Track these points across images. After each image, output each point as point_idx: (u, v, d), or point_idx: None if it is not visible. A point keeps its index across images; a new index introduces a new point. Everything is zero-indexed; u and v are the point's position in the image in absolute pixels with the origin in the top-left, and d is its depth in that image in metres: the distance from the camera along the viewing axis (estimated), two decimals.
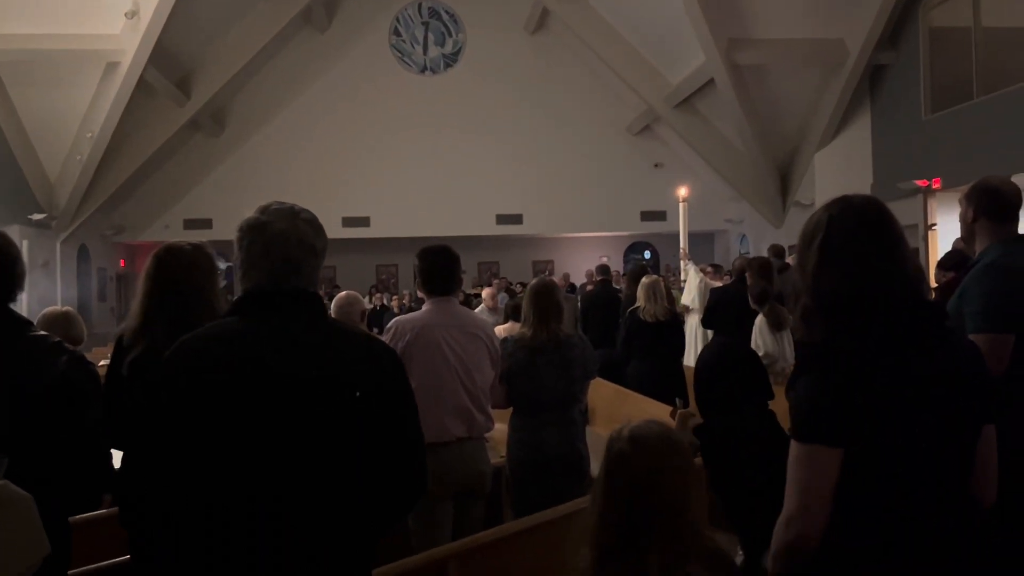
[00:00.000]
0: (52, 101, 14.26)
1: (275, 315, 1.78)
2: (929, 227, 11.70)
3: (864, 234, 1.74)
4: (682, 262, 9.11)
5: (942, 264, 6.25)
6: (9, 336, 2.08)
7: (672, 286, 9.37)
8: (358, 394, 1.76)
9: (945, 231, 11.02)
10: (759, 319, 6.07)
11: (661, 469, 1.70)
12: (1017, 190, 2.93)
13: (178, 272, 2.52)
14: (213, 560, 1.67)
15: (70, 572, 2.25)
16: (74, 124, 14.67)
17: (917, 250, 11.37)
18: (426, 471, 1.93)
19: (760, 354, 5.77)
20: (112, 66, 13.90)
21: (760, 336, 6.04)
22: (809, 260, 1.78)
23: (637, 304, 6.65)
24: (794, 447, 1.68)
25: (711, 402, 2.58)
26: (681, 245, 9.20)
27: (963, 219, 2.93)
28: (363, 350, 1.83)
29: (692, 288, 8.87)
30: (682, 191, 9.04)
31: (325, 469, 1.71)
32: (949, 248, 7.23)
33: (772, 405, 2.61)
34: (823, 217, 1.80)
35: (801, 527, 1.66)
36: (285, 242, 1.80)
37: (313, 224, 1.86)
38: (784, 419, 2.25)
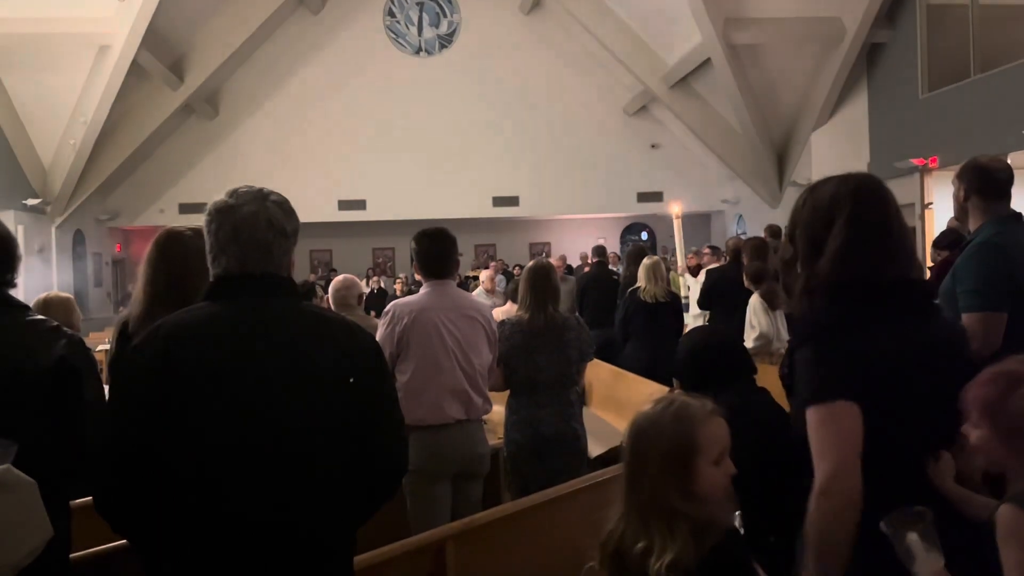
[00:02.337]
0: (45, 85, 14.16)
1: (246, 300, 1.76)
2: (926, 206, 11.71)
3: (882, 209, 1.77)
4: (680, 277, 9.07)
5: (937, 243, 6.27)
6: (7, 320, 2.08)
7: (671, 267, 9.35)
8: (351, 380, 1.76)
9: (942, 210, 11.02)
10: (753, 299, 6.08)
11: (642, 438, 1.73)
12: (1007, 168, 2.94)
13: (179, 257, 2.52)
14: (192, 547, 1.66)
15: (71, 556, 2.26)
16: (67, 108, 14.57)
17: (914, 229, 11.39)
18: (406, 456, 1.93)
19: (756, 334, 5.79)
20: (104, 49, 13.79)
21: (755, 315, 6.04)
22: (834, 236, 1.75)
23: (637, 284, 6.67)
24: (813, 413, 1.65)
25: (697, 386, 2.62)
26: (679, 262, 9.15)
27: (955, 198, 2.95)
28: (340, 333, 1.81)
29: (695, 297, 8.87)
30: (675, 208, 9.01)
31: (303, 456, 1.70)
32: (944, 227, 7.25)
33: (767, 386, 2.64)
34: (840, 192, 1.79)
35: (841, 489, 1.61)
36: (254, 225, 1.77)
37: (283, 206, 1.83)
38: (779, 398, 2.26)
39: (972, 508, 1.69)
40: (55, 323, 2.16)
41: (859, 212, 1.76)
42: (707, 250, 9.99)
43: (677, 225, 8.87)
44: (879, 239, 1.75)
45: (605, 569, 1.74)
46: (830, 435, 1.63)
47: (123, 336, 2.55)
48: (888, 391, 1.65)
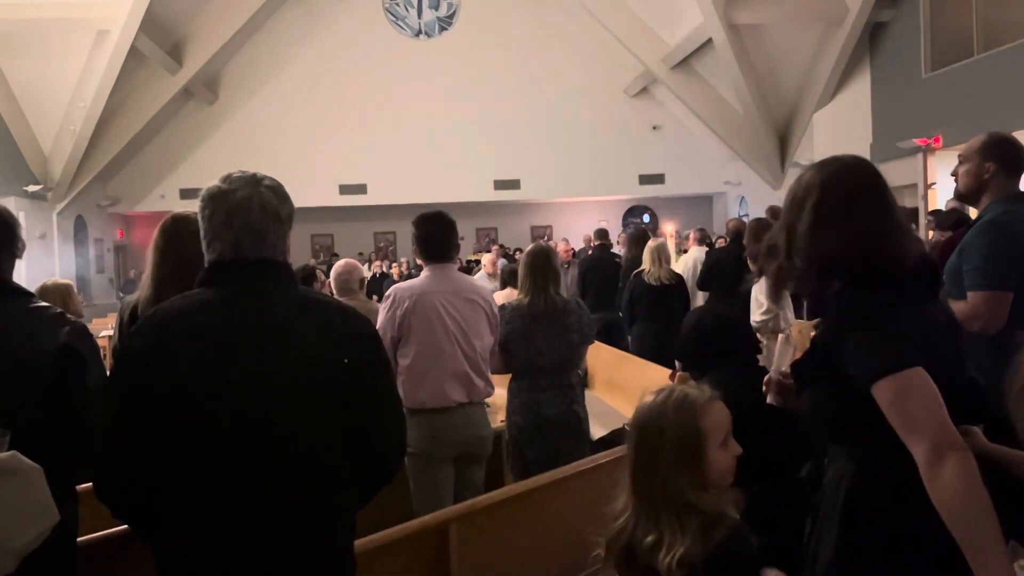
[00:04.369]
0: (43, 71, 14.12)
1: (240, 285, 1.75)
2: (928, 186, 11.65)
3: (860, 193, 1.73)
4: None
5: (940, 224, 6.25)
6: (10, 307, 2.08)
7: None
8: (346, 360, 1.75)
9: (945, 190, 10.98)
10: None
11: (648, 434, 1.72)
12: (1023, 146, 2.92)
13: (186, 241, 2.52)
14: (190, 532, 1.66)
15: (79, 540, 2.27)
16: (66, 94, 14.54)
17: (916, 209, 11.35)
18: (404, 440, 1.93)
19: (763, 309, 5.80)
20: (103, 34, 13.74)
21: (761, 294, 6.05)
22: (801, 222, 1.74)
23: (642, 267, 6.68)
24: (891, 383, 1.57)
25: (697, 366, 2.63)
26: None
27: (973, 173, 2.86)
28: (335, 318, 1.80)
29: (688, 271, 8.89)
30: (668, 228, 9.11)
31: (300, 441, 1.70)
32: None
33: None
34: (815, 178, 1.76)
35: (952, 447, 1.51)
36: (248, 210, 1.75)
37: (277, 191, 1.81)
38: None
39: (1019, 467, 1.69)
40: (58, 310, 2.16)
41: (826, 196, 1.73)
42: (695, 234, 9.88)
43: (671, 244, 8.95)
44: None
45: (613, 563, 1.74)
46: (918, 400, 1.55)
47: (133, 321, 2.56)
48: (933, 368, 1.62)
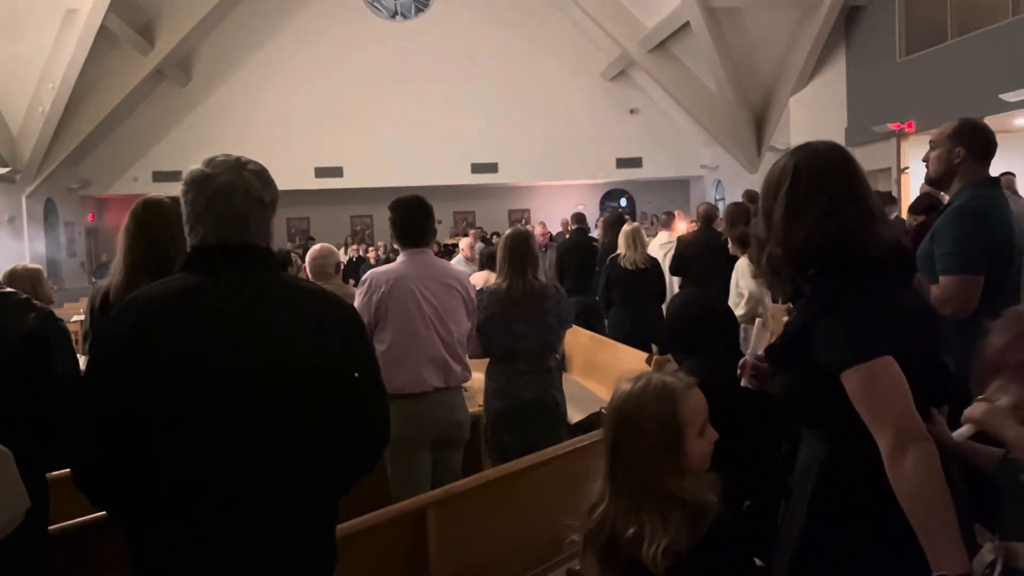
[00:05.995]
0: (10, 51, 13.79)
1: (222, 271, 1.73)
2: (902, 170, 11.77)
3: (832, 180, 1.74)
4: None
5: (913, 208, 6.33)
6: None
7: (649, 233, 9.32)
8: (330, 347, 1.74)
9: (918, 174, 11.09)
10: (741, 262, 6.08)
11: (627, 423, 1.71)
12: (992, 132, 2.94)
13: (157, 226, 2.50)
14: (172, 520, 1.65)
15: (50, 528, 2.25)
16: (35, 75, 14.23)
17: (889, 193, 11.47)
18: (388, 426, 1.93)
19: (745, 298, 5.83)
20: (71, 13, 13.46)
21: (743, 279, 6.07)
22: (776, 209, 1.75)
23: (617, 252, 6.69)
24: (858, 373, 1.59)
25: (682, 350, 2.63)
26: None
27: (944, 158, 2.88)
28: (318, 303, 1.79)
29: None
30: (680, 226, 9.32)
31: (284, 427, 1.69)
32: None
33: None
34: (788, 164, 1.77)
35: (915, 437, 1.54)
36: (230, 194, 1.73)
37: (261, 176, 1.79)
38: None
39: (980, 458, 1.73)
40: (24, 296, 2.12)
41: (798, 183, 1.73)
42: (663, 216, 9.79)
43: None
44: (822, 209, 1.72)
45: (592, 555, 1.73)
46: (884, 390, 1.58)
47: (104, 307, 2.53)
48: (903, 355, 1.63)
